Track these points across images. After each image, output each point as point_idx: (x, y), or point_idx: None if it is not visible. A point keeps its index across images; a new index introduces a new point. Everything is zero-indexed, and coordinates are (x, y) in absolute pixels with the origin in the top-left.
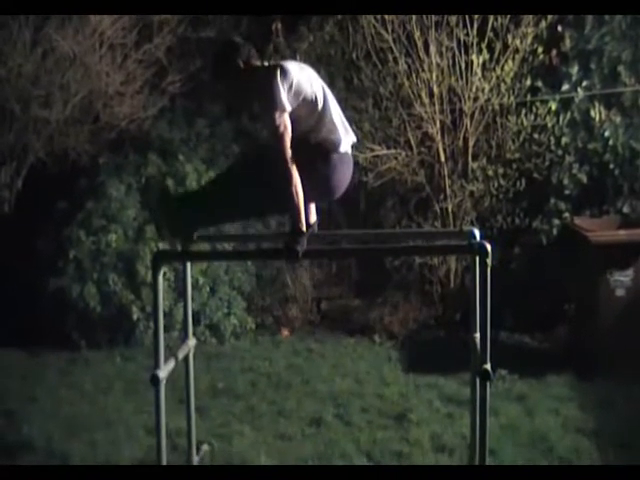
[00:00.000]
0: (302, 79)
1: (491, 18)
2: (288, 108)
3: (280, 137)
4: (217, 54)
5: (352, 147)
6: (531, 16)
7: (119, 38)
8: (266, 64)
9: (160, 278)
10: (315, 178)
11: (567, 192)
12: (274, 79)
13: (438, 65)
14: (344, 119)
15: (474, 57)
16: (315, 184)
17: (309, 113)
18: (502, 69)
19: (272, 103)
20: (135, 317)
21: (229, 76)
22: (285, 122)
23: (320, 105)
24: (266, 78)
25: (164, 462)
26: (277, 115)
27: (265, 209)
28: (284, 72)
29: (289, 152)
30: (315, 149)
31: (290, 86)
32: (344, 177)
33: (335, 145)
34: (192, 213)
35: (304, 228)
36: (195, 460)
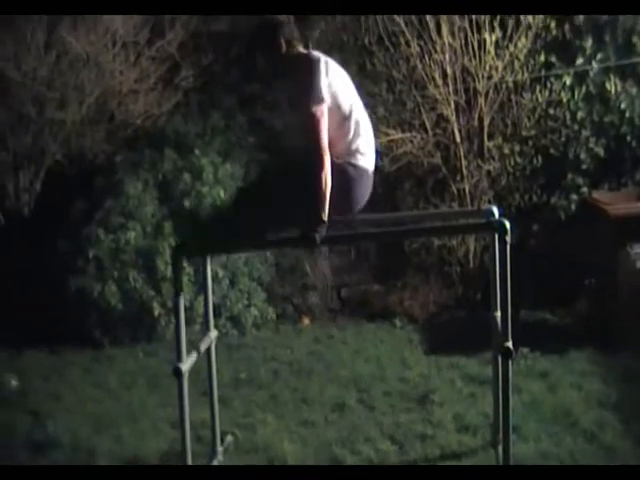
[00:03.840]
0: (340, 84)
1: None
2: (327, 99)
3: (316, 124)
4: (260, 28)
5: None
6: None
7: (131, 36)
8: (308, 52)
9: (180, 271)
10: (335, 191)
11: (584, 167)
12: (317, 68)
13: (451, 45)
14: (372, 137)
15: (487, 35)
16: (334, 197)
17: (339, 121)
18: (515, 46)
19: (312, 91)
20: (156, 313)
21: (270, 53)
22: (322, 110)
23: (350, 115)
24: (308, 66)
25: (189, 454)
26: (315, 103)
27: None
28: (327, 67)
29: (325, 140)
30: (339, 163)
31: (329, 84)
32: (363, 193)
33: (358, 160)
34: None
35: (325, 218)
36: (219, 450)
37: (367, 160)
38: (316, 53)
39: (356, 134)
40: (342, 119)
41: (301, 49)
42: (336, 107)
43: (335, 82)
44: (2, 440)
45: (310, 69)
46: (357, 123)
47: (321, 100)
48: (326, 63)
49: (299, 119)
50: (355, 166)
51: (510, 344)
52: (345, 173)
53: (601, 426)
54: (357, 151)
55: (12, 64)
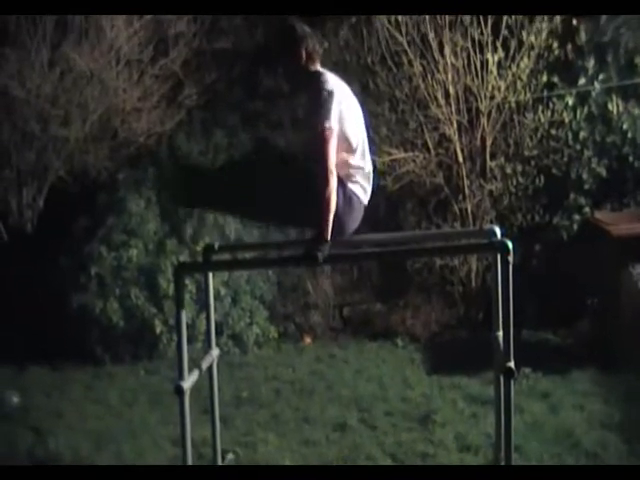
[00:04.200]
0: (350, 114)
1: (505, 16)
2: (336, 127)
3: (325, 144)
4: (282, 35)
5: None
6: None
7: (135, 54)
8: (324, 73)
9: (182, 290)
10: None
11: (587, 187)
12: (331, 94)
13: (453, 65)
14: (371, 174)
15: (489, 56)
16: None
17: (345, 148)
18: (518, 66)
19: (323, 113)
20: (158, 330)
21: (289, 62)
22: (333, 128)
23: (355, 148)
24: (324, 88)
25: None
26: (325, 125)
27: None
28: (342, 94)
29: (332, 161)
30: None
31: (340, 112)
32: (355, 221)
33: (356, 190)
34: (205, 195)
35: (328, 237)
36: None
37: (363, 193)
38: (332, 77)
39: (358, 167)
40: (347, 149)
41: (319, 67)
42: (343, 137)
43: (346, 112)
44: (4, 456)
45: (324, 91)
46: (363, 154)
47: (330, 127)
48: (341, 90)
49: (308, 136)
50: (352, 194)
51: (512, 364)
52: (343, 198)
53: (604, 447)
54: (356, 182)
55: (16, 81)
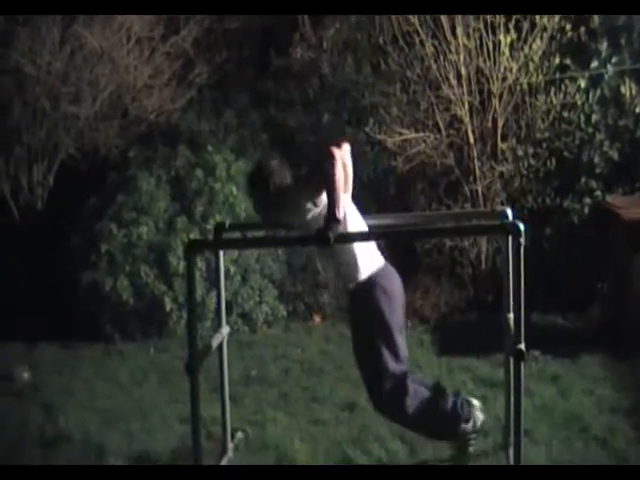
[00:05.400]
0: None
1: None
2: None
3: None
4: (252, 176)
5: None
6: None
7: (146, 32)
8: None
9: (194, 267)
10: None
11: (598, 170)
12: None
13: (465, 46)
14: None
15: (502, 37)
16: None
17: None
18: (530, 48)
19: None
20: (168, 308)
21: (261, 196)
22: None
23: None
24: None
25: (201, 450)
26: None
27: None
28: None
29: (339, 154)
30: None
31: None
32: None
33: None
34: None
35: (341, 217)
36: (230, 447)
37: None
38: None
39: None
40: None
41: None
42: None
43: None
44: (13, 432)
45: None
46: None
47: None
48: None
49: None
50: None
51: (523, 346)
52: None
53: (612, 432)
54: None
55: (27, 59)
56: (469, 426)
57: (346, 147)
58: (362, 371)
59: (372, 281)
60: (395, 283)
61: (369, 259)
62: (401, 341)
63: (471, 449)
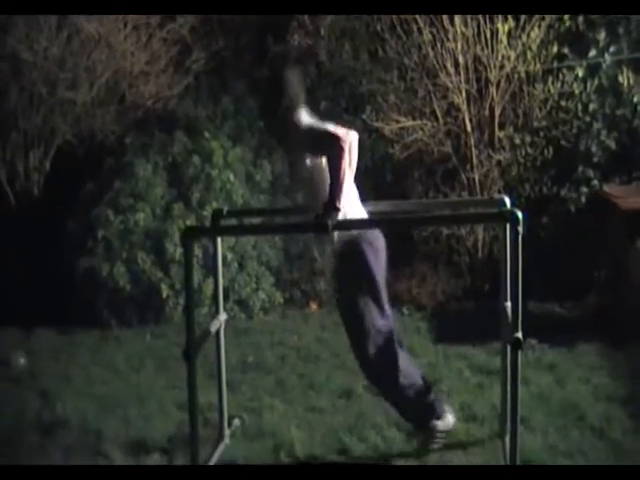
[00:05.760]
0: None
1: None
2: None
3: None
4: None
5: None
6: None
7: (143, 17)
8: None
9: (191, 254)
10: None
11: (595, 159)
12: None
13: (463, 34)
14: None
15: (499, 25)
16: None
17: None
18: (528, 36)
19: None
20: (165, 294)
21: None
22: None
23: None
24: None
25: (198, 436)
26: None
27: None
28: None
29: (345, 142)
30: None
31: None
32: None
33: None
34: None
35: (340, 205)
36: (227, 434)
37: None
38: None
39: None
40: None
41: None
42: None
43: None
44: (9, 418)
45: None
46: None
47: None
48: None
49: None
50: None
51: (520, 335)
52: None
53: (609, 421)
54: None
55: (24, 44)
56: (439, 424)
57: (354, 136)
58: (348, 329)
59: (359, 235)
60: (379, 237)
61: (358, 214)
62: (386, 298)
63: (435, 447)
